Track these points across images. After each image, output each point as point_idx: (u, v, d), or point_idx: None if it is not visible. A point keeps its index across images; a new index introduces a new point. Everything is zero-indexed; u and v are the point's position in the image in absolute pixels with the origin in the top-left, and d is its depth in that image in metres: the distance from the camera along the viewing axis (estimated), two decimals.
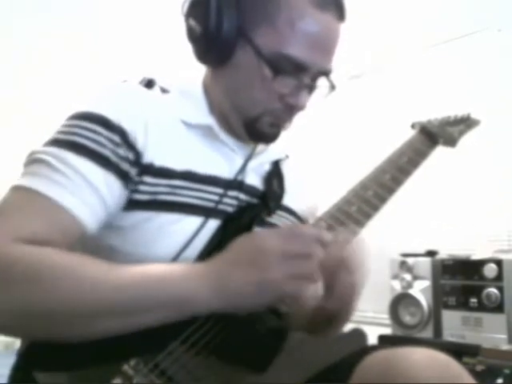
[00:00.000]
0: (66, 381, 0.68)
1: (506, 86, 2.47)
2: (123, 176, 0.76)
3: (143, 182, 0.78)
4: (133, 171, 0.77)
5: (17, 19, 3.26)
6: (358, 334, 0.74)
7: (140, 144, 0.77)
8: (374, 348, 0.72)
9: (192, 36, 0.84)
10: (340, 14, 0.83)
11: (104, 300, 0.67)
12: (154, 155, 0.78)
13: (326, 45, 0.82)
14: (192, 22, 0.83)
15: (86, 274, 0.68)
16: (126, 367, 0.68)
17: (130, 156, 0.76)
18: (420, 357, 0.67)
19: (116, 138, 0.76)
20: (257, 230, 0.85)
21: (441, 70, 2.72)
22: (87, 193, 0.73)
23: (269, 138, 0.88)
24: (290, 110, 0.85)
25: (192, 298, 0.69)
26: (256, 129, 0.85)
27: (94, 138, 0.75)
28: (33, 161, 0.75)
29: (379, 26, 2.86)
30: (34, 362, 0.70)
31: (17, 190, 0.73)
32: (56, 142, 0.76)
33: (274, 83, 0.81)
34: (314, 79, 0.85)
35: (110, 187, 0.75)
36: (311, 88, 0.85)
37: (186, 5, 0.84)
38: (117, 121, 0.77)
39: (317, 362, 0.71)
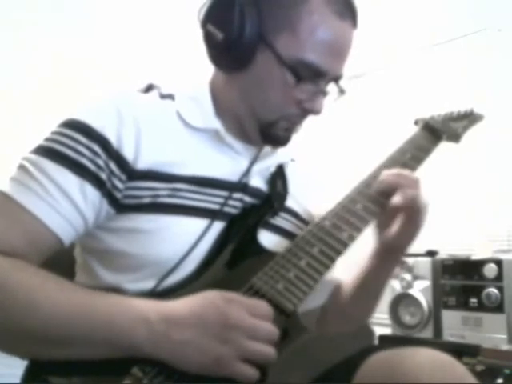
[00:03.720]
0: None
1: (506, 86, 2.47)
2: (101, 185, 0.76)
3: (139, 187, 0.78)
4: (115, 179, 0.77)
5: (16, 23, 3.25)
6: (365, 332, 0.74)
7: (128, 151, 0.78)
8: (377, 348, 0.72)
9: (211, 41, 0.84)
10: (355, 21, 0.85)
11: (44, 327, 0.67)
12: (150, 161, 0.79)
13: (342, 51, 0.84)
14: (211, 28, 0.83)
15: (40, 300, 0.68)
16: (135, 369, 0.68)
17: (112, 165, 0.77)
18: (424, 357, 0.68)
19: (96, 147, 0.76)
20: (262, 232, 0.85)
21: (441, 70, 2.72)
22: (61, 201, 0.74)
23: (282, 141, 0.89)
24: (305, 114, 0.87)
25: (135, 349, 0.68)
26: (271, 133, 0.87)
27: (73, 147, 0.76)
28: (18, 167, 0.77)
29: (379, 27, 2.86)
30: (44, 365, 0.70)
31: None
32: (38, 149, 0.77)
33: (295, 89, 0.82)
34: (327, 84, 0.86)
35: (85, 196, 0.76)
36: (325, 93, 0.87)
37: (204, 11, 0.85)
38: (100, 129, 0.77)
39: (324, 361, 0.71)
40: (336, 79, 0.87)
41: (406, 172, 0.83)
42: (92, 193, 0.76)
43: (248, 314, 0.68)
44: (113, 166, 0.77)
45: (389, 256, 0.89)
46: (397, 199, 0.79)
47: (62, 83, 3.32)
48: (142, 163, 0.78)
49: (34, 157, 0.76)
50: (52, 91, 3.31)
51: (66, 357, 0.69)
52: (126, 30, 3.34)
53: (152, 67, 3.01)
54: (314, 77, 0.82)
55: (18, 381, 0.77)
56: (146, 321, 0.68)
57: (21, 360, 0.81)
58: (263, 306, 0.70)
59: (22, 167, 0.76)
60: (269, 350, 0.68)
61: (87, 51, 3.27)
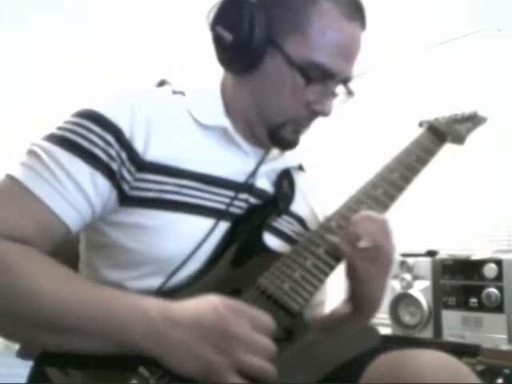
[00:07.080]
0: (80, 379, 0.69)
1: (506, 86, 2.48)
2: (111, 175, 0.77)
3: (146, 180, 0.79)
4: (125, 171, 0.77)
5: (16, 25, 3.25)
6: (371, 333, 0.74)
7: (138, 142, 0.78)
8: (383, 349, 0.72)
9: (220, 44, 0.84)
10: (363, 23, 0.85)
11: (44, 312, 0.68)
12: (159, 153, 0.79)
13: (352, 53, 0.85)
14: (221, 30, 0.83)
15: (42, 286, 0.68)
16: (142, 369, 0.68)
17: (123, 155, 0.77)
18: (429, 359, 0.68)
19: (109, 137, 0.77)
20: (266, 235, 0.85)
21: (441, 70, 2.73)
22: (72, 190, 0.75)
23: (291, 144, 0.89)
24: (314, 116, 0.87)
25: (131, 343, 0.67)
26: (280, 136, 0.87)
27: (86, 136, 0.77)
28: (28, 152, 0.77)
29: (379, 26, 2.87)
30: (48, 359, 0.71)
31: (8, 179, 0.75)
32: (51, 137, 0.78)
33: (304, 91, 0.82)
34: (336, 86, 0.87)
35: (95, 186, 0.76)
36: (334, 94, 0.87)
37: (213, 13, 0.85)
38: (114, 119, 0.78)
39: (329, 361, 0.70)
40: (345, 81, 0.87)
41: (374, 219, 0.79)
42: (102, 183, 0.77)
43: (249, 326, 0.67)
44: (124, 157, 0.77)
45: (360, 308, 0.85)
46: (362, 244, 0.77)
47: (61, 83, 3.31)
48: (151, 155, 0.79)
49: (46, 144, 0.76)
50: (51, 90, 3.30)
51: (62, 346, 0.69)
52: (127, 30, 3.34)
53: (152, 67, 3.01)
54: (323, 78, 0.83)
55: (18, 381, 0.77)
56: (147, 316, 0.68)
57: (21, 360, 0.81)
58: (265, 319, 0.70)
59: (33, 153, 0.76)
60: (265, 366, 0.67)
61: (87, 51, 3.27)
